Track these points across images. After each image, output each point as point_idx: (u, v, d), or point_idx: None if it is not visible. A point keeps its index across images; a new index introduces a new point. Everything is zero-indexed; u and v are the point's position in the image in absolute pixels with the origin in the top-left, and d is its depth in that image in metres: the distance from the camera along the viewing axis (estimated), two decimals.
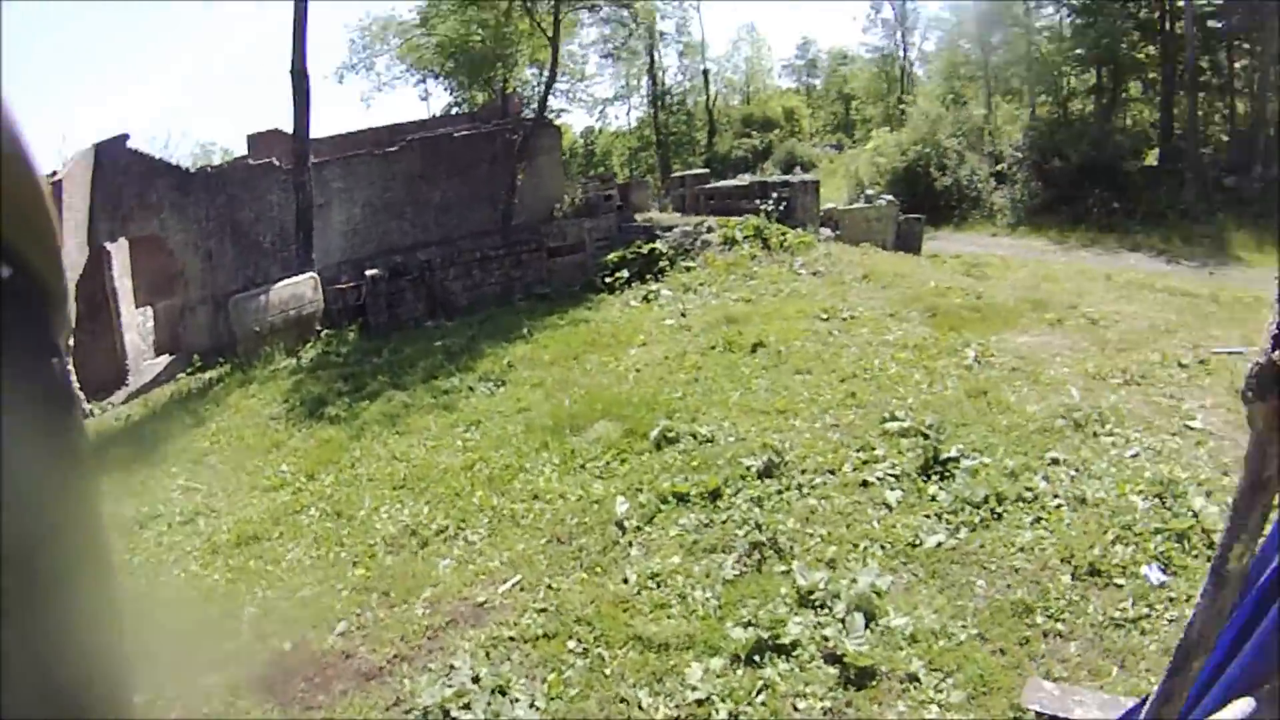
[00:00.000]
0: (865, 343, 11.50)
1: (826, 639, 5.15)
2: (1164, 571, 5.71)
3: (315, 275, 16.91)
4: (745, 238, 17.69)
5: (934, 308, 13.50)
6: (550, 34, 20.92)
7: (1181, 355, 10.34)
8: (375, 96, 67.45)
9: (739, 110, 52.89)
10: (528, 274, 17.85)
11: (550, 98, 21.95)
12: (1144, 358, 10.27)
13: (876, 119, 54.79)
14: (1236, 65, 31.50)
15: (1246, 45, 30.61)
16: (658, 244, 17.41)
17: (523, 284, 17.69)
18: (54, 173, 15.20)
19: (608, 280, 16.78)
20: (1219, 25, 30.76)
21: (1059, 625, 5.26)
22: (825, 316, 12.87)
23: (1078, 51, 33.44)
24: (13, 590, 0.44)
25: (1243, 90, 31.61)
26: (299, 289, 16.29)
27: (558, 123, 24.60)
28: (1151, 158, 32.04)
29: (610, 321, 14.25)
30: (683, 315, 13.80)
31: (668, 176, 36.88)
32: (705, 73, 52.60)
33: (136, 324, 17.03)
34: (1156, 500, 6.47)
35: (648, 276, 16.58)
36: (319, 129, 20.83)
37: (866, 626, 5.20)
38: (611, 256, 17.39)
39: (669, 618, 5.63)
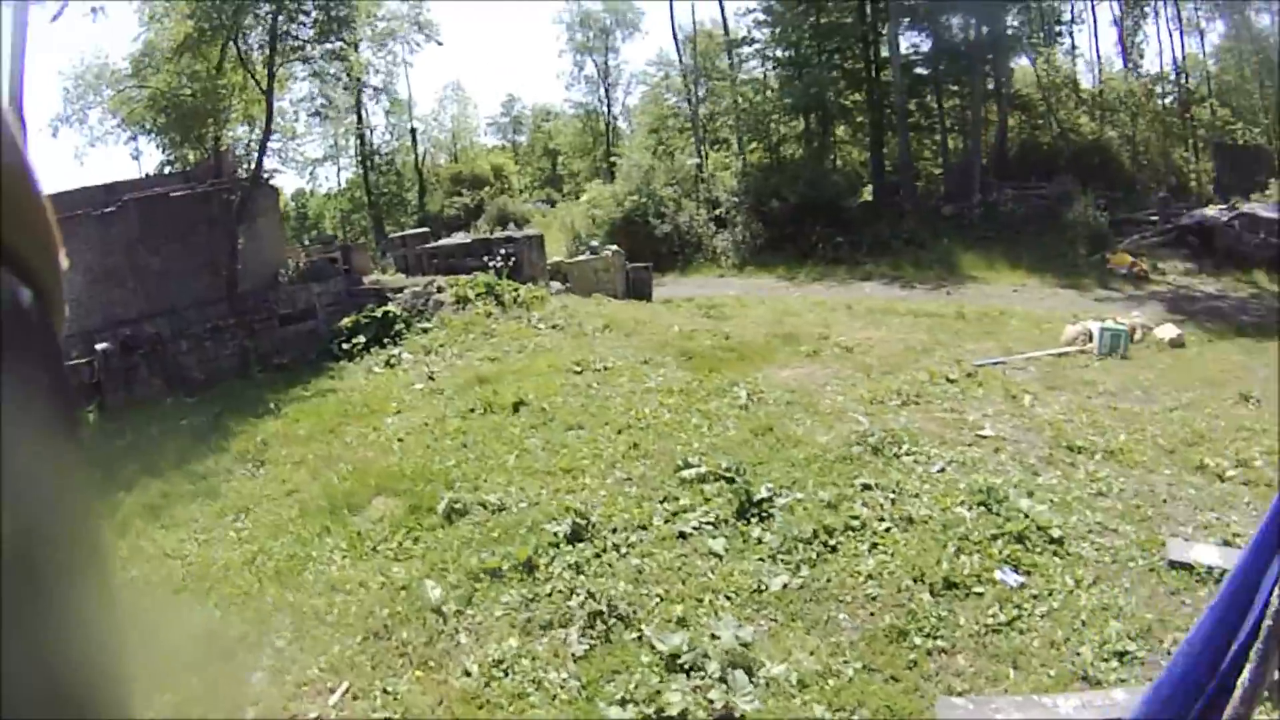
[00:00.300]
0: (629, 392, 11.78)
1: (713, 701, 5.03)
2: (1017, 572, 6.12)
3: None
4: (478, 295, 18.42)
5: (686, 351, 14.17)
6: (265, 86, 20.93)
7: (948, 371, 11.35)
8: (89, 152, 62.74)
9: (448, 169, 52.86)
10: (262, 343, 17.85)
11: (264, 157, 21.81)
12: (912, 378, 11.12)
13: (585, 172, 56.86)
14: (945, 105, 35.60)
15: (955, 87, 34.75)
16: (390, 306, 17.89)
17: (258, 354, 17.66)
18: None
19: (345, 347, 17.02)
20: (924, 72, 34.80)
21: (939, 642, 5.45)
22: (579, 369, 13.37)
23: (786, 101, 36.21)
24: (12, 591, 0.45)
25: (952, 128, 35.90)
26: None
27: (273, 183, 24.30)
28: (867, 194, 35.19)
29: (358, 390, 14.47)
30: (431, 379, 14.28)
31: (383, 237, 36.66)
32: (413, 131, 52.44)
33: None
34: (981, 508, 6.93)
35: (385, 341, 16.95)
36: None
37: (750, 681, 5.10)
38: (345, 322, 17.69)
39: (532, 707, 5.28)
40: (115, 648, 0.57)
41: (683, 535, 7.09)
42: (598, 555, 6.92)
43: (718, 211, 33.98)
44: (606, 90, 57.95)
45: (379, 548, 7.82)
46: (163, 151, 32.58)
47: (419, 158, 52.52)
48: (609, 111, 58.14)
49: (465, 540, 7.56)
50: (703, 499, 7.65)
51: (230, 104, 26.55)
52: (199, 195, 21.58)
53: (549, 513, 7.75)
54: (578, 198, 48.28)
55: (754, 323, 18.94)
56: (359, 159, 50.40)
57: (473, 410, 11.81)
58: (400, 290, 19.02)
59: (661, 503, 7.76)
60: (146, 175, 30.18)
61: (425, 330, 17.30)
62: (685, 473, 8.21)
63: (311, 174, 51.55)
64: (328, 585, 7.21)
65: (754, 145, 38.60)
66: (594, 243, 25.32)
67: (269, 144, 22.06)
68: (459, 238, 25.77)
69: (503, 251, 20.98)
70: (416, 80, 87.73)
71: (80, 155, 33.34)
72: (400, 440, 11.10)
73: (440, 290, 18.80)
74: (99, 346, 16.64)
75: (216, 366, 17.20)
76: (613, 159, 42.10)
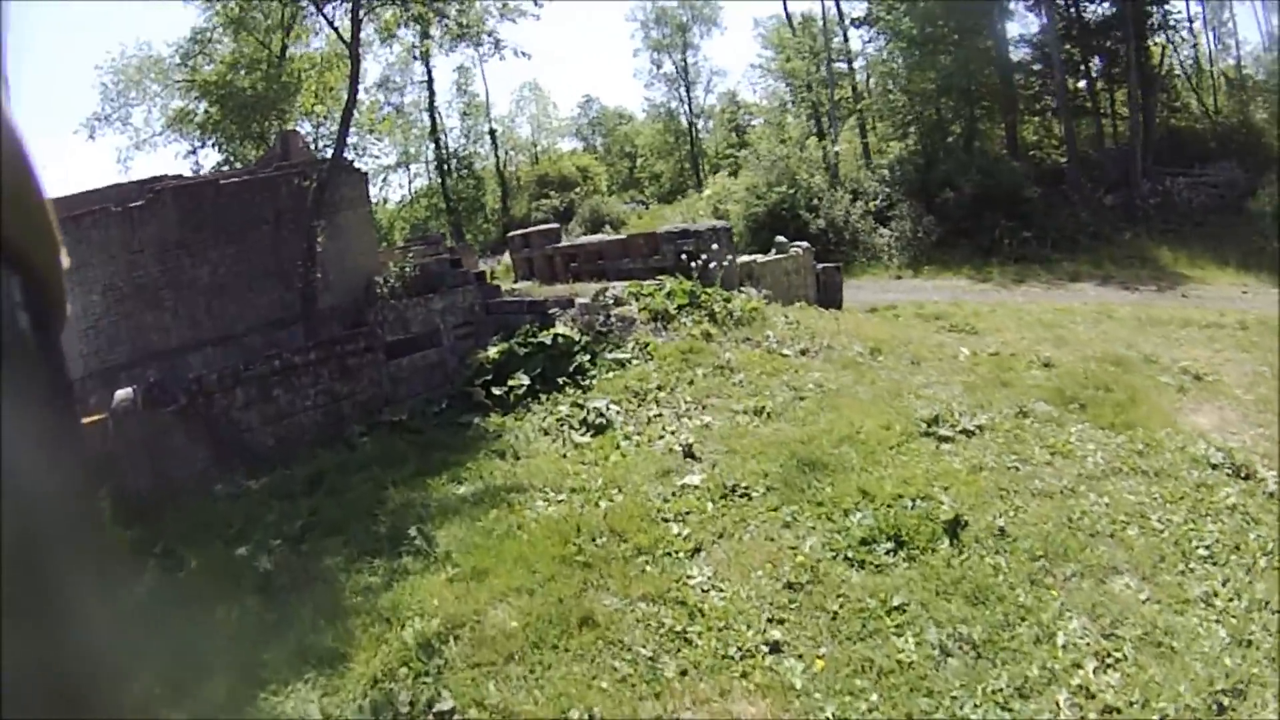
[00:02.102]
0: (1076, 478, 7.15)
1: None
2: None
3: None
4: (680, 308, 11.85)
5: (1040, 391, 9.66)
6: (349, 38, 14.21)
7: None
8: (135, 156, 57.30)
9: (530, 171, 47.04)
10: (360, 386, 11.07)
11: (348, 131, 15.10)
12: None
13: (669, 173, 52.18)
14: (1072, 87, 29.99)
15: (1083, 67, 29.71)
16: (561, 327, 11.17)
17: (357, 404, 10.92)
18: None
19: (497, 392, 10.32)
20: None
21: None
22: (930, 429, 8.09)
23: (928, 83, 29.98)
24: (12, 590, 0.43)
25: (1082, 110, 30.13)
26: None
27: (359, 166, 17.62)
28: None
29: (552, 478, 7.81)
30: (691, 456, 7.85)
31: (463, 245, 31.18)
32: (492, 133, 46.55)
33: None
34: None
35: (562, 380, 10.24)
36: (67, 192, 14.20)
37: None
38: (491, 353, 10.95)
39: None
40: (115, 647, 0.55)
41: None
42: None
43: (873, 204, 27.76)
44: (687, 88, 52.75)
45: None
46: (219, 150, 26.73)
47: (500, 160, 46.23)
48: (689, 110, 52.88)
49: None
50: None
51: (296, 84, 20.49)
52: (261, 182, 15.00)
53: None
54: (674, 199, 42.61)
55: (1027, 339, 13.58)
56: (435, 163, 44.62)
57: (865, 544, 5.82)
58: (558, 303, 12.23)
59: None
60: (195, 172, 24.16)
61: (621, 363, 10.62)
62: None
63: (384, 181, 45.98)
64: None
65: (899, 131, 32.47)
66: (779, 238, 18.62)
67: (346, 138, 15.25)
68: (600, 236, 18.90)
69: (684, 250, 14.24)
70: (492, 80, 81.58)
71: (125, 159, 26.94)
72: (764, 659, 4.89)
73: (618, 302, 12.07)
74: (117, 397, 10.05)
75: (293, 427, 10.52)
76: (744, 148, 35.37)
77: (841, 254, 26.05)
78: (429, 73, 43.04)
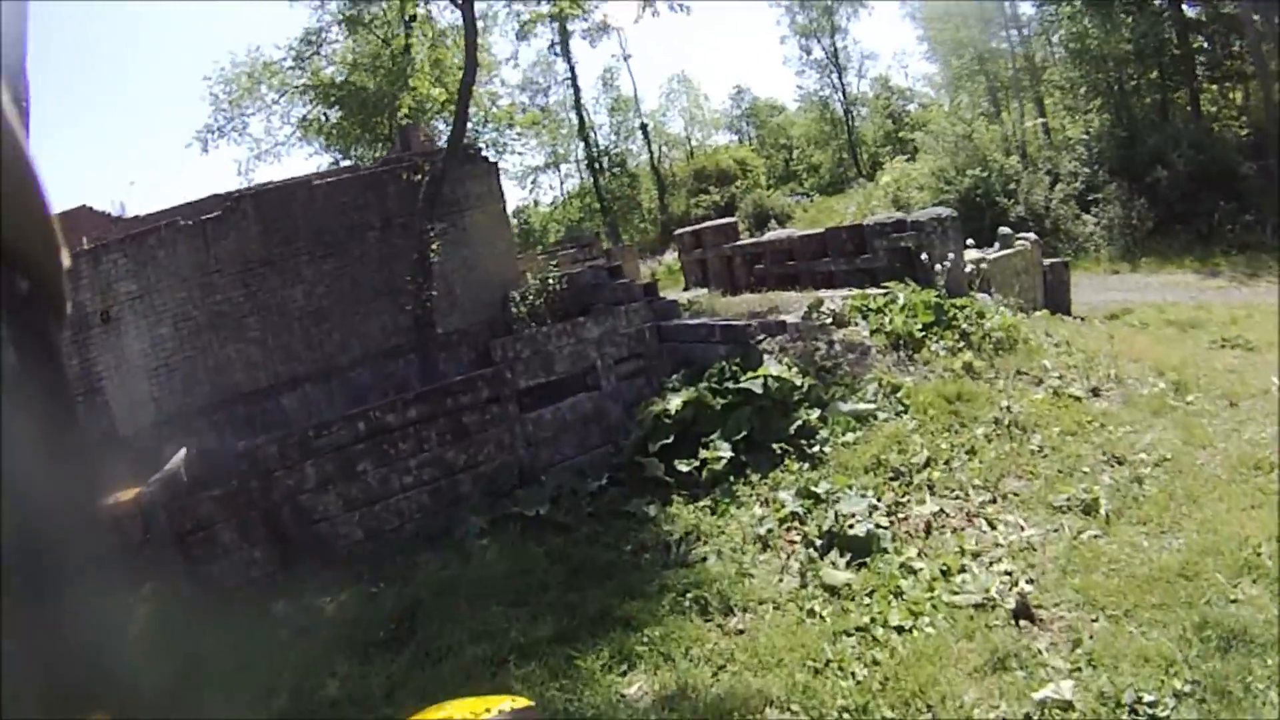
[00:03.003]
0: None
1: None
2: None
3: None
4: (925, 328, 8.05)
5: None
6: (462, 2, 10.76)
7: None
8: (257, 167, 56.84)
9: (686, 166, 43.42)
10: (483, 454, 7.61)
11: (468, 107, 11.58)
12: None
13: (827, 163, 47.42)
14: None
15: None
16: (771, 364, 7.41)
17: (479, 479, 7.47)
18: None
19: (683, 467, 6.71)
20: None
21: None
22: None
23: (1125, 46, 24.27)
24: (13, 591, 0.42)
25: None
26: None
27: (487, 155, 14.10)
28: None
29: (808, 693, 4.07)
30: (1025, 617, 4.33)
31: (619, 246, 28.10)
32: (643, 127, 43.24)
33: None
34: None
35: (780, 449, 6.57)
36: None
37: None
38: (672, 404, 7.27)
39: None
40: (115, 647, 0.54)
41: None
42: None
43: (1074, 186, 22.79)
44: (839, 74, 48.18)
45: None
46: (345, 155, 24.29)
47: (653, 155, 42.92)
48: (843, 97, 48.34)
49: None
50: None
51: (418, 74, 17.64)
52: (365, 180, 11.80)
53: None
54: (837, 190, 38.26)
55: None
56: (586, 161, 41.88)
57: None
58: (762, 325, 8.46)
59: None
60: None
61: (862, 418, 6.87)
62: None
63: (533, 183, 43.43)
64: None
65: (1086, 102, 26.76)
66: (1004, 229, 14.44)
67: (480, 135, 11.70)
68: (788, 231, 14.99)
69: (906, 243, 10.42)
70: (640, 74, 78.13)
71: (247, 170, 24.64)
72: None
73: (839, 321, 8.29)
74: (151, 482, 6.94)
75: (387, 512, 7.18)
76: (925, 130, 30.78)
77: (1043, 244, 21.70)
78: (571, 69, 40.43)
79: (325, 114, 22.28)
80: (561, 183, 45.19)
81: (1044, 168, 23.71)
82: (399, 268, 10.51)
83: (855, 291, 9.27)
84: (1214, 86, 24.97)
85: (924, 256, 10.30)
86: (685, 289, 14.66)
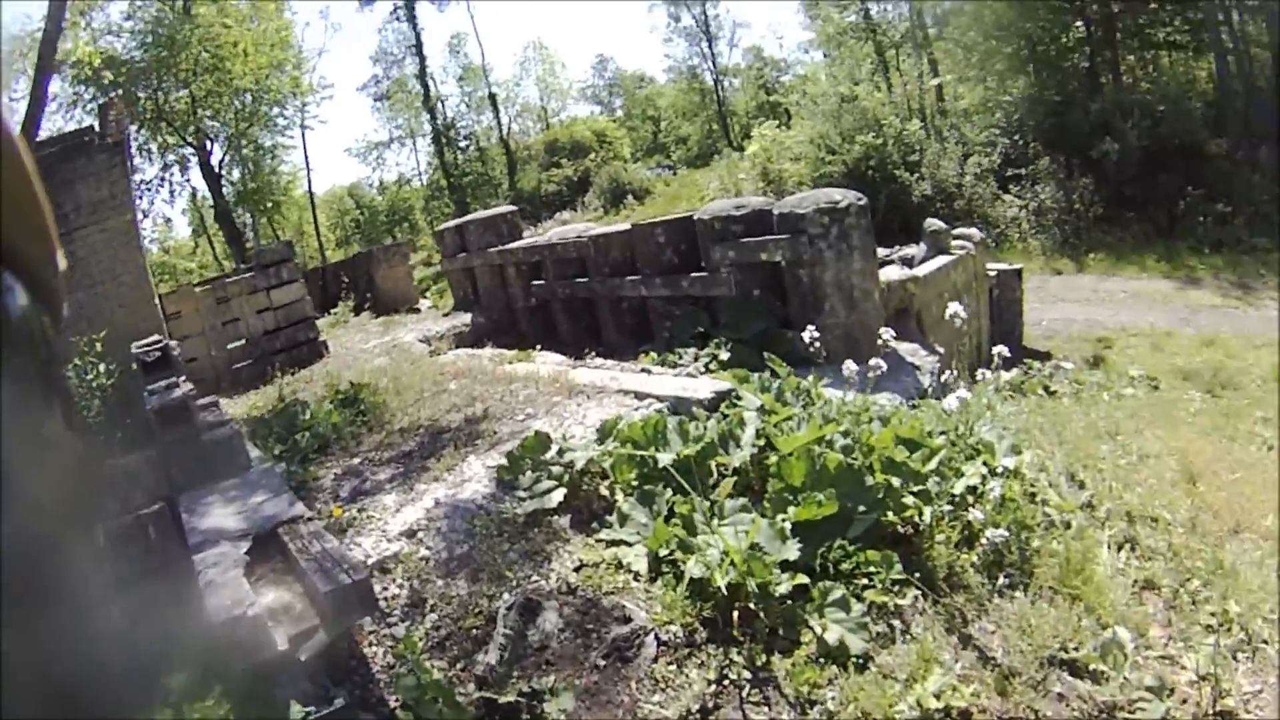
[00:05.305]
0: None
1: None
2: None
3: None
4: (805, 564, 3.70)
5: None
6: None
7: None
8: None
9: (540, 139, 39.60)
10: None
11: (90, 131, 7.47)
12: None
13: (696, 134, 45.41)
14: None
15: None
16: None
17: None
18: None
19: None
20: None
21: None
22: None
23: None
24: (13, 591, 0.40)
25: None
26: None
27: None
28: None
29: None
30: None
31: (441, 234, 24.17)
32: (492, 97, 39.31)
33: None
34: None
35: None
36: None
37: None
38: None
39: None
40: (115, 647, 0.51)
41: None
42: None
43: (991, 159, 19.15)
44: (709, 43, 45.80)
45: None
46: None
47: (503, 128, 38.94)
48: (713, 66, 46.07)
49: None
50: None
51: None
52: None
53: None
54: (705, 164, 34.55)
55: None
56: (431, 136, 37.97)
57: None
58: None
59: None
60: None
61: None
62: None
63: (379, 159, 39.38)
64: None
65: (991, 60, 22.87)
66: (933, 223, 10.51)
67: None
68: (578, 227, 10.92)
69: (771, 258, 7.02)
70: (491, 42, 71.80)
71: None
72: None
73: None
74: None
75: None
76: (781, 100, 27.21)
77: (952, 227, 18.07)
78: (417, 35, 36.82)
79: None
80: (414, 156, 41.45)
81: (952, 137, 20.18)
82: None
83: (633, 390, 5.38)
84: (1131, 57, 22.12)
85: (804, 279, 6.68)
86: (449, 313, 10.90)
